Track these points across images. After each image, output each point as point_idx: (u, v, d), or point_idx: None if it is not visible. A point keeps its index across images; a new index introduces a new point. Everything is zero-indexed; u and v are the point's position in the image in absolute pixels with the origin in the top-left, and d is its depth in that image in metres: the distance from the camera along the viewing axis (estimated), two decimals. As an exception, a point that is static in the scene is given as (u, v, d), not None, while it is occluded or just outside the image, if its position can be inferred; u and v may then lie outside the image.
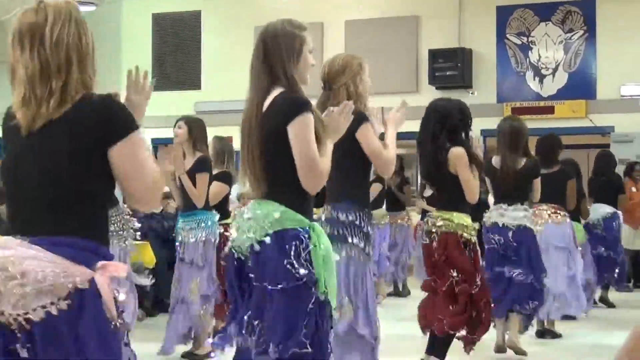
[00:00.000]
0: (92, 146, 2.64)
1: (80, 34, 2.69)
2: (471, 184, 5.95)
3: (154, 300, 9.94)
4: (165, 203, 10.86)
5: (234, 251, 3.76)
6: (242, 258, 3.72)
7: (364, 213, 4.72)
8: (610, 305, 10.49)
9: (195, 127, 7.24)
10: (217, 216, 7.22)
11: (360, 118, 4.63)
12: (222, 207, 7.61)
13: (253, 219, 3.67)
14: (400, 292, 11.73)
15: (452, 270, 5.90)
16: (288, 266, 3.57)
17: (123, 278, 2.71)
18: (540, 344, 7.98)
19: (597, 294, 10.39)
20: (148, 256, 9.70)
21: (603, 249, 10.22)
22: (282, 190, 3.69)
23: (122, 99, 2.91)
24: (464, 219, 5.94)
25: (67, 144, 2.63)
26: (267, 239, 3.62)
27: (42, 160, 2.66)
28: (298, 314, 3.58)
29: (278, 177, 3.70)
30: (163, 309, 9.98)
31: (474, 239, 6.01)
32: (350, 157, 4.69)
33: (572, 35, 13.98)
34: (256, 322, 3.65)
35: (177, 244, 7.25)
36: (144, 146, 2.72)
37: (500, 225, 7.10)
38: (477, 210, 6.47)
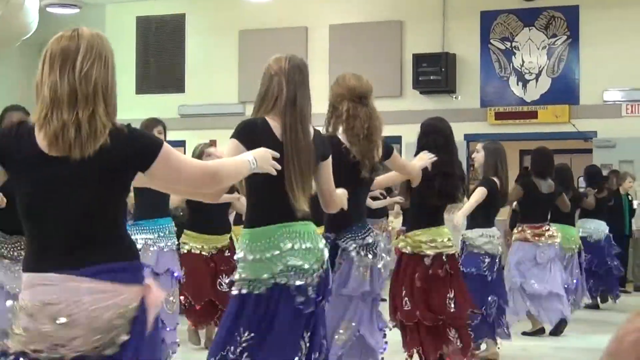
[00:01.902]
0: (127, 174, 2.83)
1: (107, 69, 2.80)
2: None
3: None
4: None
5: (280, 281, 3.88)
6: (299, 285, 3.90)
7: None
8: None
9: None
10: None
11: (390, 147, 5.35)
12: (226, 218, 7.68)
13: (311, 249, 3.96)
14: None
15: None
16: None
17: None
18: (528, 347, 8.02)
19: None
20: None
21: (616, 262, 10.90)
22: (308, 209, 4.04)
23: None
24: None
25: (106, 175, 2.76)
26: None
27: (83, 192, 2.76)
28: None
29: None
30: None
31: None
32: (369, 182, 5.14)
33: (556, 41, 14.05)
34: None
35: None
36: (174, 155, 2.91)
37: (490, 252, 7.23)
38: None
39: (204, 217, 7.43)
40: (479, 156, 7.34)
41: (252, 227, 3.94)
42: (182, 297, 7.35)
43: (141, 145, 2.82)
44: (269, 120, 3.95)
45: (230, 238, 7.85)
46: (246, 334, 3.82)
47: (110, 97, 2.79)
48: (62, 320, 2.65)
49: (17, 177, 2.79)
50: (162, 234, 6.80)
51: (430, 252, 5.96)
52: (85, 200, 2.75)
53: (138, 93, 15.34)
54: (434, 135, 6.09)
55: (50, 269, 2.70)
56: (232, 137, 3.91)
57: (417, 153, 6.01)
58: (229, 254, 7.45)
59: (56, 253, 2.75)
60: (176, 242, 7.05)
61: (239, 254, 3.96)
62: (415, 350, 5.99)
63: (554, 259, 8.54)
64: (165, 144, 2.88)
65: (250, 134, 3.90)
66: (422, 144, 6.04)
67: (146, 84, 15.69)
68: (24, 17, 13.92)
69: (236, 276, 3.95)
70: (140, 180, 2.93)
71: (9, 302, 3.12)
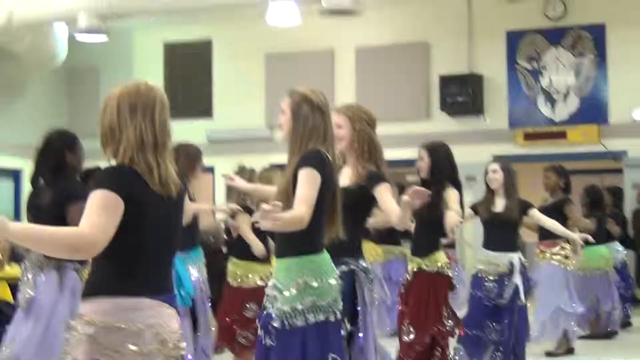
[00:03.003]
0: None
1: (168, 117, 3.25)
2: None
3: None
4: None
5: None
6: None
7: None
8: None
9: None
10: None
11: None
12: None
13: None
14: None
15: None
16: None
17: None
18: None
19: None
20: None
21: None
22: None
23: None
24: None
25: (183, 206, 3.25)
26: None
27: (177, 223, 3.20)
28: None
29: None
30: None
31: None
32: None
33: (583, 60, 13.96)
34: None
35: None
36: None
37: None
38: None
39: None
40: (498, 177, 7.33)
41: (320, 251, 3.99)
42: None
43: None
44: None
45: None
46: None
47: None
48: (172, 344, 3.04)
49: (137, 211, 3.02)
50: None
51: (449, 273, 6.24)
52: (177, 230, 3.19)
53: (166, 119, 15.38)
54: (453, 160, 6.32)
55: (149, 294, 3.04)
56: (312, 167, 3.94)
57: (444, 176, 6.11)
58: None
59: (154, 280, 3.09)
60: None
61: (312, 282, 3.94)
62: None
63: None
64: None
65: (326, 166, 4.00)
66: (453, 169, 6.21)
67: (174, 110, 15.53)
68: (53, 45, 14.05)
69: (296, 306, 3.92)
70: None
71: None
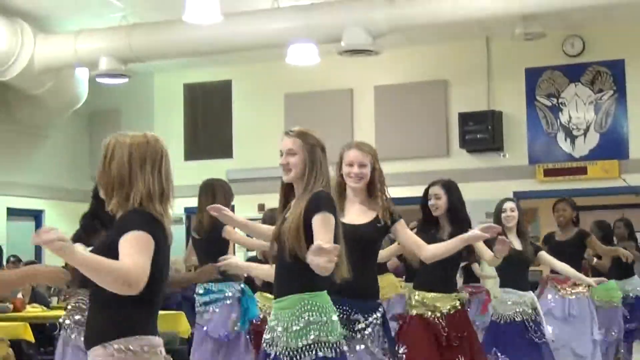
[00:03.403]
0: None
1: None
2: None
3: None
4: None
5: None
6: None
7: None
8: None
9: None
10: None
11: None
12: None
13: None
14: None
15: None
16: None
17: None
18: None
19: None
20: (183, 326, 9.66)
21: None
22: None
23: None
24: None
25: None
26: None
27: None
28: None
29: None
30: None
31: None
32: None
33: (602, 96, 13.94)
34: None
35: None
36: None
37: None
38: None
39: None
40: (516, 215, 7.42)
41: (323, 290, 4.02)
42: None
43: None
44: None
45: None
46: None
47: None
48: None
49: (157, 255, 3.20)
50: None
51: None
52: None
53: (187, 160, 15.45)
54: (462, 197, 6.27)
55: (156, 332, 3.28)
56: (328, 212, 3.98)
57: (460, 213, 6.10)
58: None
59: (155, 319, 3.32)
60: None
61: (316, 317, 3.96)
62: None
63: None
64: None
65: (335, 209, 4.07)
66: (463, 205, 6.23)
67: (195, 150, 15.82)
68: (74, 88, 14.19)
69: (303, 342, 3.93)
70: None
71: None
